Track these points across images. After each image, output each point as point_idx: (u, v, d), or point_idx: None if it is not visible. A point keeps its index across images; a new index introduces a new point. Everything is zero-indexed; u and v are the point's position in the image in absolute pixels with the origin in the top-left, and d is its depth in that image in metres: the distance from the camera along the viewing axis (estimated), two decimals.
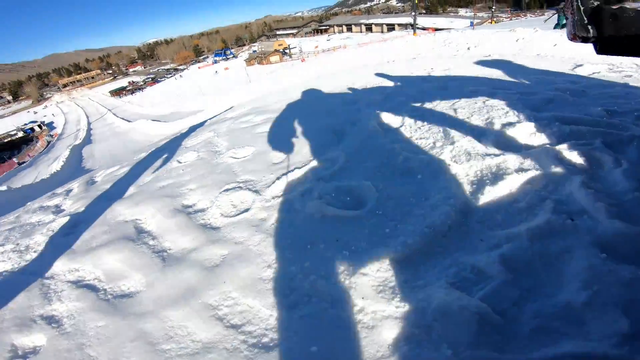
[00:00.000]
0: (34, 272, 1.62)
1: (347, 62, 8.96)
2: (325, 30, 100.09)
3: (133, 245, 1.59)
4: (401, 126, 2.16)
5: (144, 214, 1.86)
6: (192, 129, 4.52)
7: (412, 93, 2.85)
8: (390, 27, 73.49)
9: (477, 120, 2.06)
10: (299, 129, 2.64)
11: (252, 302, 1.13)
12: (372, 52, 8.89)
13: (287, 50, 68.74)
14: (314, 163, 1.95)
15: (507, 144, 1.72)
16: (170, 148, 3.42)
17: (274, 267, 1.26)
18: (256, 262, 1.30)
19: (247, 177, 2.02)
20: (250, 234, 1.48)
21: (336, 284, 1.12)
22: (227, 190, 1.89)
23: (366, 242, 1.27)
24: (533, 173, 1.43)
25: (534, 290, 0.97)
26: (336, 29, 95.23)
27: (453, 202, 1.34)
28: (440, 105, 2.42)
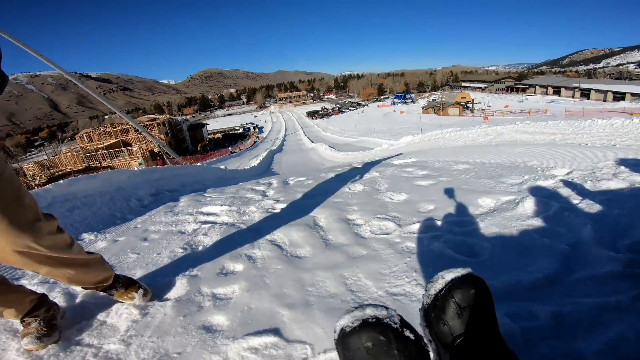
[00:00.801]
0: (249, 228, 2.62)
1: (539, 133, 7.89)
2: (523, 90, 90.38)
3: (311, 230, 2.47)
4: (544, 213, 2.27)
5: (321, 215, 2.76)
6: (365, 165, 5.52)
7: (587, 185, 2.74)
8: (619, 96, 59.32)
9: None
10: (449, 188, 3.08)
11: (367, 282, 1.74)
12: (573, 126, 7.44)
13: (469, 105, 65.59)
14: (452, 219, 2.39)
15: None
16: (344, 176, 4.50)
17: (391, 269, 1.84)
18: (381, 263, 1.91)
19: (395, 214, 2.65)
20: (385, 247, 2.11)
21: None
22: (378, 217, 2.58)
23: None
24: None
25: (563, 336, 1.15)
26: (538, 89, 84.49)
27: (553, 272, 1.58)
28: (595, 206, 2.33)
